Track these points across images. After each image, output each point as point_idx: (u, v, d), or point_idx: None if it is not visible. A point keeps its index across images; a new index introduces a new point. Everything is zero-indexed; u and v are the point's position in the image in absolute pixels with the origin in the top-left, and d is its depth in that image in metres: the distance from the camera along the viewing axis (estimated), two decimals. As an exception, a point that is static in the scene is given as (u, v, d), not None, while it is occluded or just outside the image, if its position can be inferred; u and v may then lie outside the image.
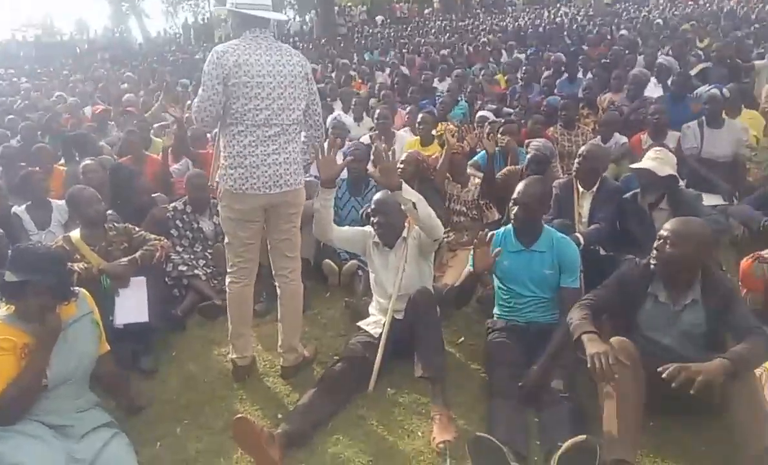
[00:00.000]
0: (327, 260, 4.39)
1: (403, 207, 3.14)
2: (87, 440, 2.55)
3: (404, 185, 3.09)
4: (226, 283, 3.27)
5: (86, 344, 2.67)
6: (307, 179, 4.70)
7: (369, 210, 3.55)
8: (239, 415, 2.66)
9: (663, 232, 2.65)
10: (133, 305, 3.53)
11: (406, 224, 3.38)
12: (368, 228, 3.52)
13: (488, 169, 4.66)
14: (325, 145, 3.30)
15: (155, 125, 7.34)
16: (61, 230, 4.40)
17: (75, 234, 3.67)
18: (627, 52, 9.45)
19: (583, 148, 4.13)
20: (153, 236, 3.82)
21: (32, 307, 2.44)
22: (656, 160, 3.64)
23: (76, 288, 2.69)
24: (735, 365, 2.28)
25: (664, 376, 2.25)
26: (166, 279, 4.16)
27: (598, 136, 5.52)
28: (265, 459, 2.58)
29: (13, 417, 2.40)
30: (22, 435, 2.38)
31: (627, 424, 2.38)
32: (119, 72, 15.68)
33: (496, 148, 5.09)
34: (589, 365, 2.40)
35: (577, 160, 4.03)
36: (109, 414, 2.78)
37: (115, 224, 3.84)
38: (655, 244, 2.67)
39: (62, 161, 6.12)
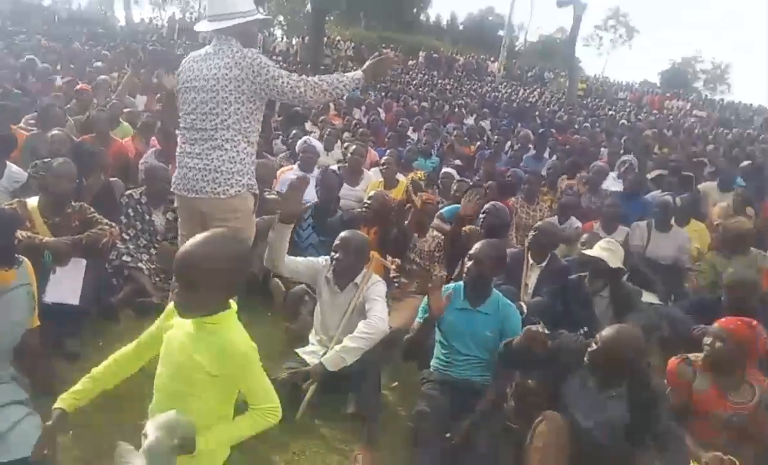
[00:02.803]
0: (275, 279, 4.36)
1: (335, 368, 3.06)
2: (-1, 417, 2.43)
3: (326, 359, 3.07)
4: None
5: (18, 314, 2.55)
6: (270, 196, 4.74)
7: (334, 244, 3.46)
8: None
9: (597, 339, 2.74)
10: (66, 285, 3.42)
11: (364, 269, 3.39)
12: (322, 259, 3.51)
13: (457, 225, 4.74)
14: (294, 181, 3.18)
15: (125, 110, 7.21)
16: (7, 196, 4.25)
17: (32, 202, 3.56)
18: (592, 147, 9.92)
19: (539, 223, 4.30)
20: (105, 221, 3.72)
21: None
22: (608, 251, 3.81)
23: (20, 257, 2.59)
24: None
25: None
26: (108, 266, 4.04)
27: (555, 216, 5.73)
28: None
29: None
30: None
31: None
32: (95, 49, 15.33)
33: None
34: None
35: (532, 233, 4.19)
36: (25, 391, 2.66)
37: (73, 203, 3.74)
38: (591, 347, 2.77)
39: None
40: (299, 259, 3.52)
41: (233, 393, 1.97)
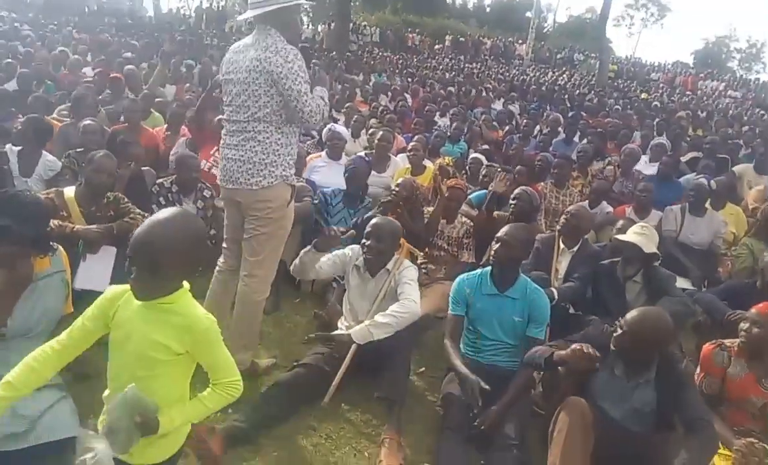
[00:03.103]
0: (303, 266, 4.39)
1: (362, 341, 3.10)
2: (33, 398, 2.45)
3: (355, 330, 3.11)
4: None
5: (52, 301, 2.62)
6: (299, 184, 4.76)
7: (365, 231, 3.47)
8: None
9: (623, 322, 2.69)
10: (96, 273, 3.45)
11: (396, 255, 3.38)
12: (348, 250, 3.51)
13: (487, 205, 4.74)
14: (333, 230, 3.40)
15: (156, 100, 7.29)
16: (41, 184, 4.35)
17: (69, 191, 3.63)
18: (624, 129, 9.72)
19: (571, 207, 4.24)
20: (137, 210, 3.78)
21: (4, 255, 2.39)
22: (643, 236, 3.74)
23: (55, 245, 2.65)
24: None
25: None
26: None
27: (586, 200, 5.64)
28: (202, 451, 2.54)
29: None
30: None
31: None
32: (123, 40, 15.53)
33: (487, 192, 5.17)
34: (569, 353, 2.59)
35: (563, 217, 4.13)
36: (58, 376, 2.72)
37: (108, 193, 3.80)
38: (616, 332, 2.72)
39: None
40: (323, 259, 3.49)
41: (191, 370, 1.95)
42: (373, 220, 3.42)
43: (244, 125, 2.96)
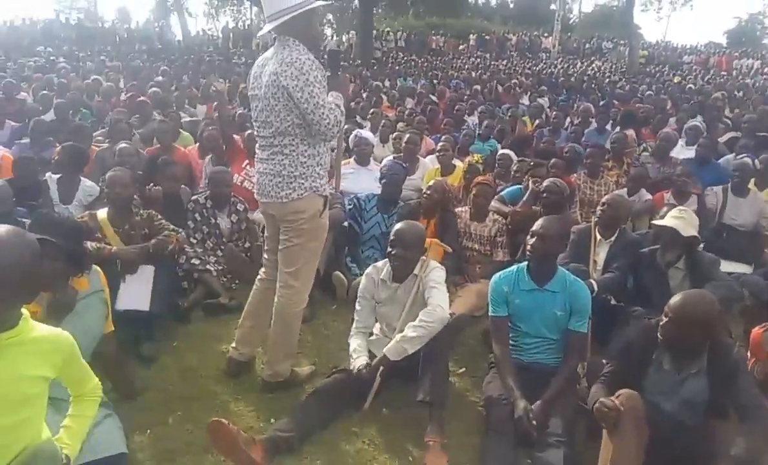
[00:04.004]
0: (337, 272, 4.41)
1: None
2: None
3: (389, 348, 3.02)
4: None
5: (93, 320, 2.67)
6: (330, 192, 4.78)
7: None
8: (215, 419, 2.60)
9: (668, 310, 2.59)
10: (136, 292, 3.54)
11: (423, 258, 3.35)
12: (371, 269, 3.43)
13: (527, 202, 4.71)
14: None
15: (185, 119, 7.45)
16: (81, 210, 4.47)
17: (102, 213, 3.72)
18: (658, 114, 9.49)
19: (607, 196, 4.15)
20: (171, 227, 3.84)
21: (46, 272, 2.44)
22: (680, 220, 3.64)
23: (92, 265, 2.71)
24: None
25: None
26: (179, 269, 4.19)
27: (624, 189, 5.51)
28: (245, 461, 2.55)
29: None
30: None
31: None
32: (155, 65, 15.93)
33: (521, 187, 5.11)
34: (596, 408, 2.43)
35: (600, 207, 4.04)
36: (104, 395, 2.77)
37: (141, 210, 3.88)
38: (661, 321, 2.62)
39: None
40: (359, 317, 3.38)
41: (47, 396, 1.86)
42: (396, 227, 3.34)
43: (270, 140, 2.96)
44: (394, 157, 6.21)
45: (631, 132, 7.86)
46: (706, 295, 2.64)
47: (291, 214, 3.01)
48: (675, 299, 2.59)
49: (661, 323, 2.61)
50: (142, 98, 8.18)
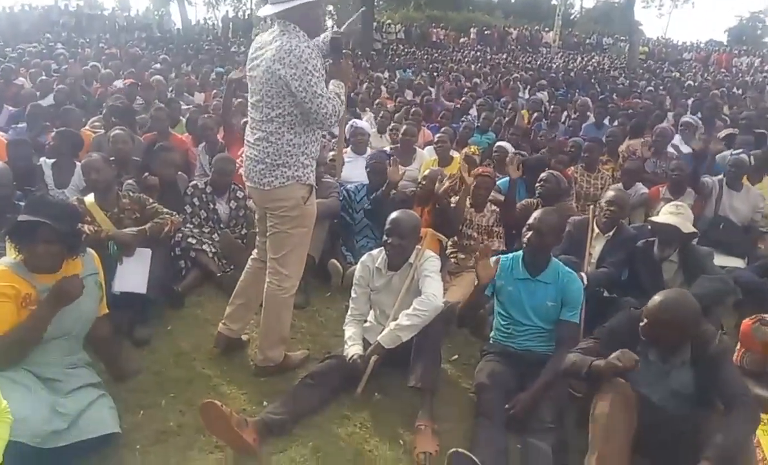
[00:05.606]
0: (333, 260, 4.42)
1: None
2: (73, 396, 2.55)
3: (383, 337, 3.07)
4: None
5: (87, 303, 2.67)
6: (325, 180, 4.78)
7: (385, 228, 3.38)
8: (207, 400, 2.61)
9: (645, 312, 2.62)
10: (133, 275, 3.54)
11: (418, 246, 3.36)
12: (367, 257, 3.45)
13: (509, 195, 4.70)
14: None
15: (184, 108, 7.45)
16: (77, 195, 4.46)
17: (89, 198, 3.70)
18: (656, 110, 9.49)
19: (612, 195, 4.09)
20: (165, 210, 3.84)
21: (41, 254, 2.45)
22: (679, 216, 3.65)
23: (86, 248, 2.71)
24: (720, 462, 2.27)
25: None
26: (176, 250, 4.20)
27: (620, 183, 5.52)
28: (237, 442, 2.58)
29: (5, 363, 2.41)
30: (9, 381, 2.37)
31: (612, 457, 2.37)
32: (154, 53, 15.87)
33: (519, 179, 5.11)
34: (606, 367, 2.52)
35: (607, 208, 4.00)
36: (98, 375, 2.79)
37: (131, 193, 3.87)
38: (642, 320, 2.65)
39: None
40: (355, 305, 3.43)
41: None
42: (392, 216, 3.34)
43: (260, 124, 2.93)
44: (390, 148, 6.24)
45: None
46: (683, 296, 2.66)
47: (271, 201, 2.99)
48: (652, 302, 2.62)
49: (641, 325, 2.64)
50: (146, 83, 8.15)
